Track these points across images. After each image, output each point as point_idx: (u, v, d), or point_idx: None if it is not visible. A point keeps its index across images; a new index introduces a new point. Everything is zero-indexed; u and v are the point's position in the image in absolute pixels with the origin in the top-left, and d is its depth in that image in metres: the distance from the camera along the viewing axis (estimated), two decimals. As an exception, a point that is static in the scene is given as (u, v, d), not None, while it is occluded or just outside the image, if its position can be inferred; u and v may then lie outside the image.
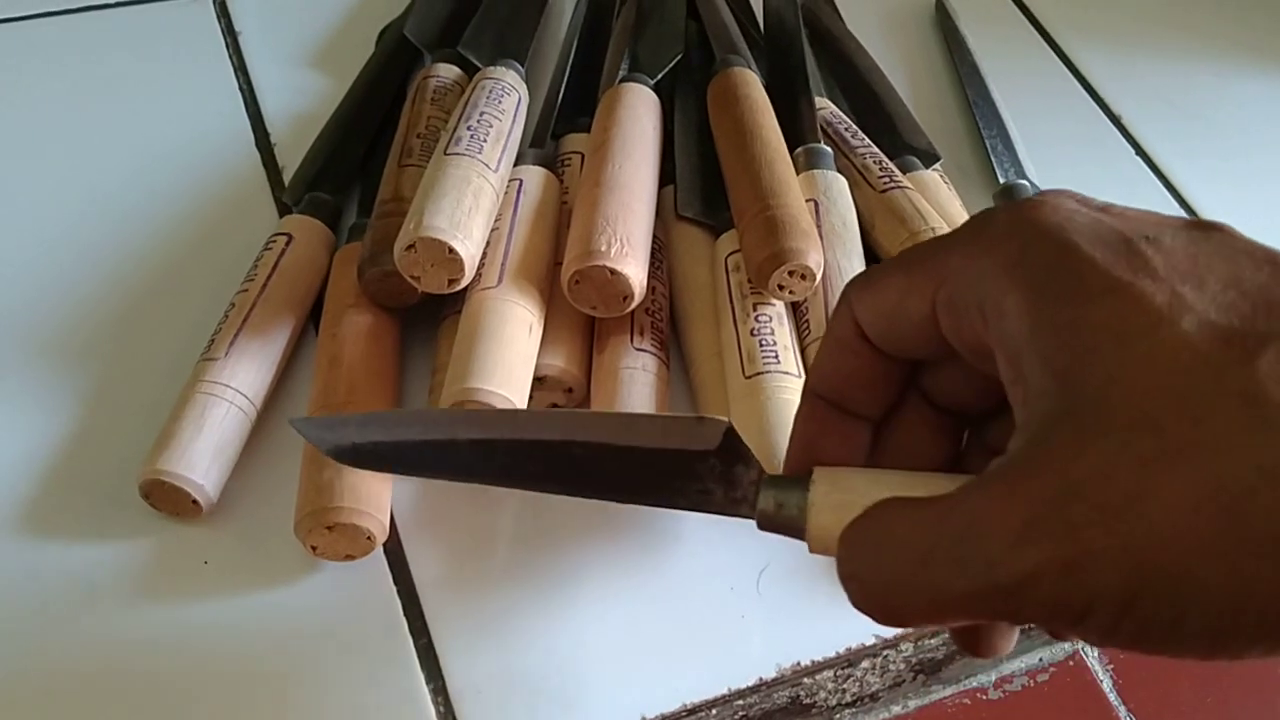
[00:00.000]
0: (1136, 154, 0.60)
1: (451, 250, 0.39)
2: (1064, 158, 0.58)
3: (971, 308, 0.25)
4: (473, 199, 0.41)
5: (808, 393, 0.30)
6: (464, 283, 0.41)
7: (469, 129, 0.44)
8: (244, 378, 0.41)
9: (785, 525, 0.28)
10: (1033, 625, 0.23)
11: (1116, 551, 0.21)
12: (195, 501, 0.39)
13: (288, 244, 0.45)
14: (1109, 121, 0.61)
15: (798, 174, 0.46)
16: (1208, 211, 0.57)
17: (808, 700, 0.40)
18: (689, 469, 0.29)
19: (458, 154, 0.43)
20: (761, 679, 0.39)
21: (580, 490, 0.32)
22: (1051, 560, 0.21)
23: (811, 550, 0.28)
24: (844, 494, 0.27)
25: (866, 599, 0.25)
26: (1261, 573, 0.20)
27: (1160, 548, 0.21)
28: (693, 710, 0.39)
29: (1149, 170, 0.59)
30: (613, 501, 0.32)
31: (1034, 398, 0.23)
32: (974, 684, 0.42)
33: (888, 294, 0.27)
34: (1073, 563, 0.21)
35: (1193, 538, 0.20)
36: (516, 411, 0.33)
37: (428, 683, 0.38)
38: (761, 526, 0.29)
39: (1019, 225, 0.25)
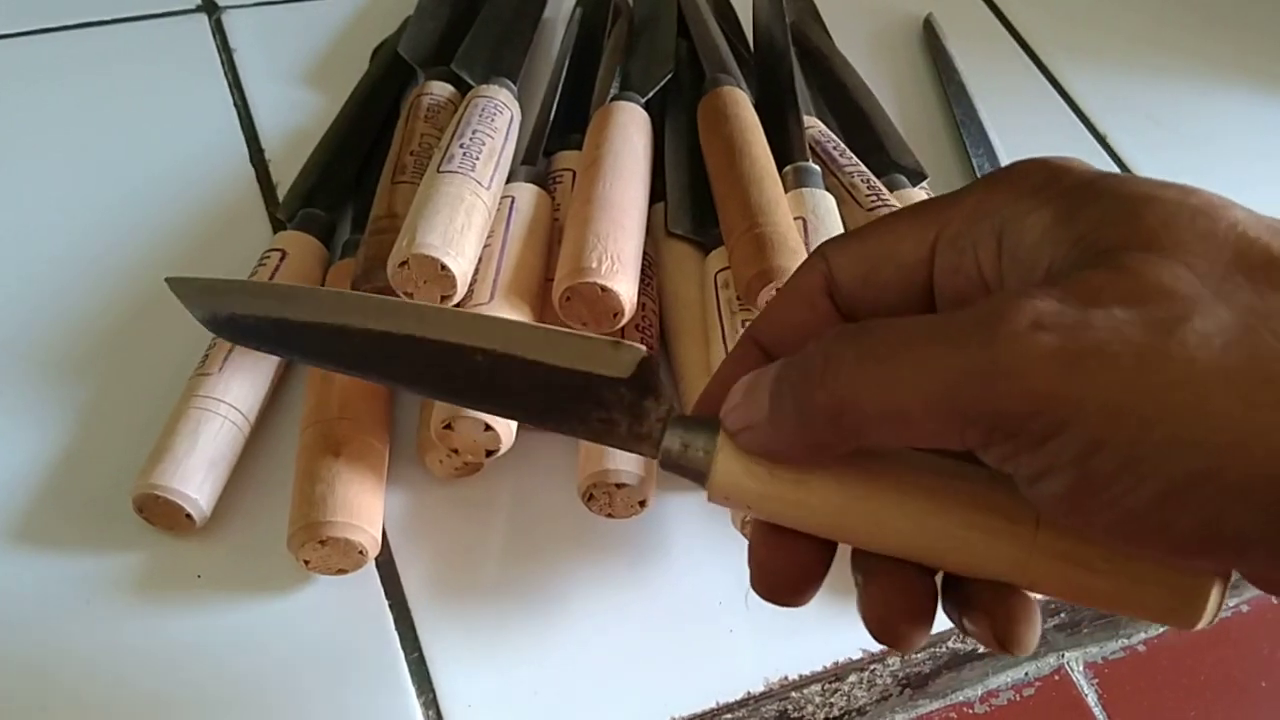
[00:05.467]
0: (1121, 172, 0.61)
1: (444, 267, 0.40)
2: (1050, 176, 0.59)
3: (984, 239, 0.25)
4: (465, 216, 0.42)
5: (746, 337, 0.29)
6: (457, 299, 0.41)
7: (462, 147, 0.45)
8: (238, 393, 0.41)
9: (688, 467, 0.27)
10: (1001, 444, 0.22)
11: (1129, 357, 0.20)
12: (189, 516, 0.39)
13: (282, 260, 0.45)
14: (1094, 140, 0.62)
15: (786, 192, 0.47)
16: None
17: (795, 714, 0.40)
18: (596, 395, 0.28)
19: (451, 171, 0.43)
20: (749, 693, 0.40)
21: (477, 401, 0.30)
22: (1059, 348, 0.21)
23: (710, 498, 0.27)
24: (747, 480, 0.26)
25: (837, 383, 0.23)
26: (1271, 421, 0.20)
27: (1179, 366, 0.20)
28: (681, 724, 0.39)
29: (1134, 189, 0.60)
30: (506, 418, 0.29)
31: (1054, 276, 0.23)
32: (960, 698, 0.42)
33: (877, 239, 0.27)
34: (1080, 354, 0.20)
35: (1216, 366, 0.20)
36: (423, 306, 0.30)
37: (419, 696, 0.38)
38: (664, 465, 0.27)
39: (1045, 164, 0.25)
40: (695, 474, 0.27)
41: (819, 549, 0.27)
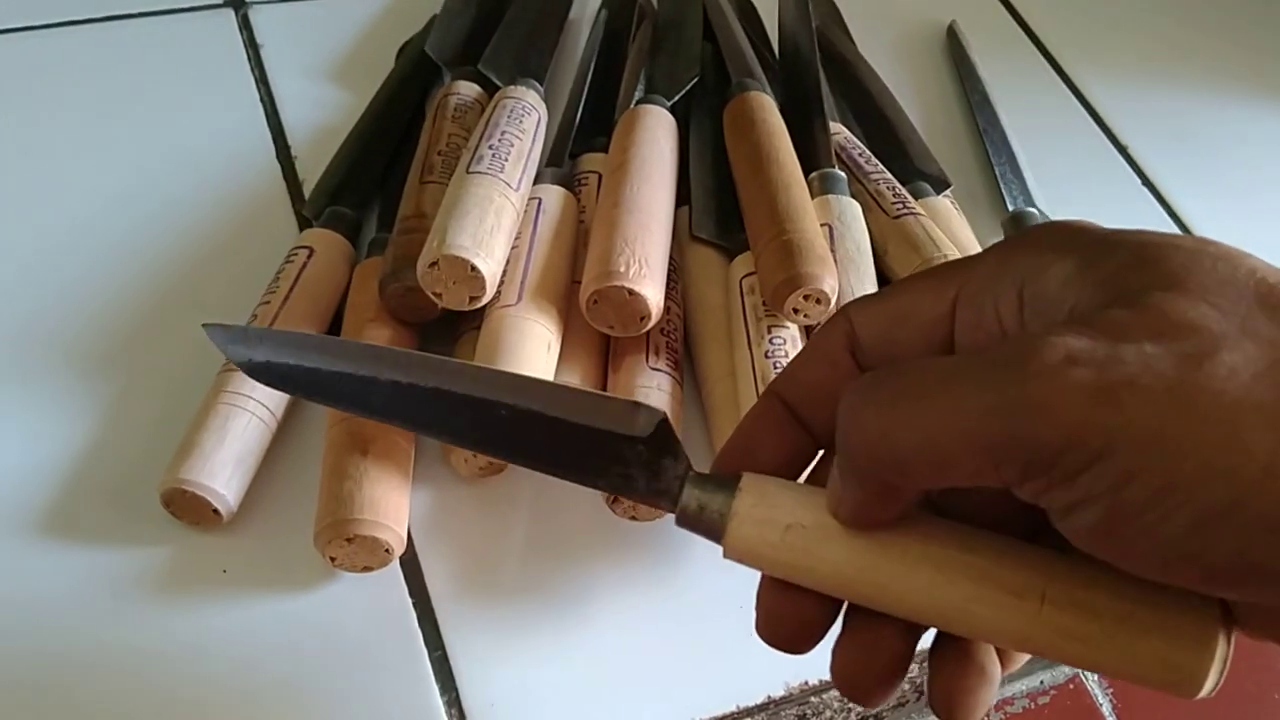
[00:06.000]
0: (1143, 184, 0.61)
1: (474, 268, 0.40)
2: (1071, 186, 0.59)
3: (1005, 293, 0.25)
4: (495, 218, 0.42)
5: (769, 392, 0.29)
6: (485, 300, 0.41)
7: (491, 148, 0.45)
8: (265, 389, 0.41)
9: (704, 527, 0.28)
10: (1037, 479, 0.22)
11: (1161, 389, 0.21)
12: (216, 511, 0.39)
13: (309, 257, 0.46)
14: (1116, 151, 0.62)
15: (812, 198, 0.47)
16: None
17: (814, 719, 0.40)
18: (615, 452, 0.29)
19: (480, 173, 0.43)
20: (770, 697, 0.40)
21: (500, 451, 0.31)
22: (1092, 382, 0.21)
23: (725, 555, 0.28)
24: (769, 509, 0.27)
25: (876, 421, 0.24)
26: None
27: (1210, 398, 0.21)
28: (702, 727, 0.39)
29: (1154, 200, 0.60)
30: (529, 468, 0.30)
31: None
32: (977, 706, 0.42)
33: (898, 298, 0.28)
34: (1113, 387, 0.21)
35: (1246, 398, 0.21)
36: (447, 361, 0.31)
37: (442, 695, 0.39)
38: (680, 523, 0.28)
39: (1062, 225, 0.26)
40: (711, 534, 0.28)
41: (826, 606, 0.27)
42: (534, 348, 0.41)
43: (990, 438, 0.22)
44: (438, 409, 0.31)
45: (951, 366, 0.24)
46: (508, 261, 0.43)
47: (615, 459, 0.29)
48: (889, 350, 0.28)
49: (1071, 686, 0.43)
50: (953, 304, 0.26)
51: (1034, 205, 0.55)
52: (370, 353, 0.33)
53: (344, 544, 0.38)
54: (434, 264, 0.40)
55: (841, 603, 0.28)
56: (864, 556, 0.26)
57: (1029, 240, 0.26)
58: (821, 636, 0.28)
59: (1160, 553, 0.21)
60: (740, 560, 0.28)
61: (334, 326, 0.46)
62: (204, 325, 0.35)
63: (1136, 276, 0.23)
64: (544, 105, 0.50)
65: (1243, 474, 0.20)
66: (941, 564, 0.26)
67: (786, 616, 0.28)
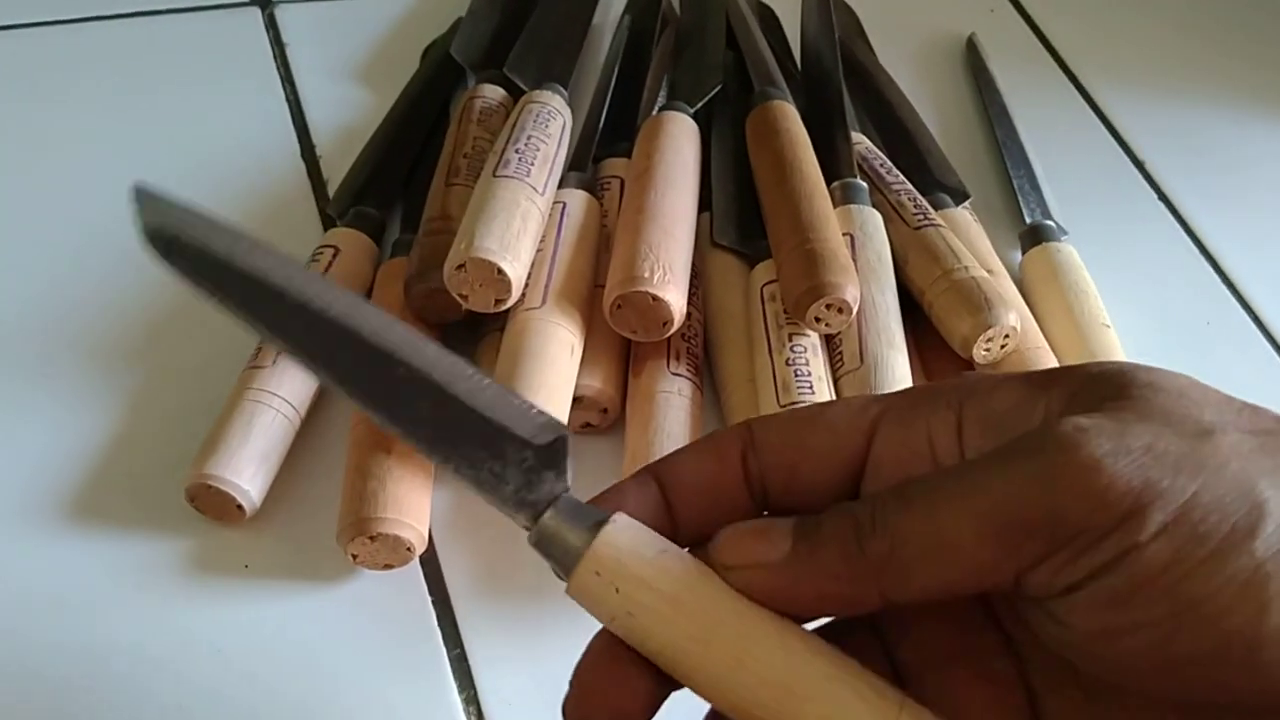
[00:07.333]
0: (1159, 198, 0.61)
1: (500, 271, 0.40)
2: (1088, 199, 0.59)
3: (940, 413, 0.26)
4: (521, 221, 0.42)
5: (646, 470, 0.28)
6: (510, 303, 0.42)
7: (517, 152, 0.45)
8: (290, 386, 0.42)
9: (556, 554, 0.27)
10: (1062, 550, 0.23)
11: (1176, 455, 0.22)
12: (239, 506, 0.40)
13: (335, 256, 0.46)
14: (1133, 166, 0.62)
15: (834, 208, 0.47)
16: (1226, 257, 0.58)
17: None
18: (498, 448, 0.27)
19: (507, 176, 0.44)
20: (785, 702, 0.40)
21: (378, 410, 0.29)
22: (1112, 448, 0.22)
23: (569, 590, 0.26)
24: (647, 532, 0.26)
25: (886, 530, 0.24)
26: None
27: (1221, 462, 0.22)
28: (717, 730, 0.39)
29: (1170, 215, 0.60)
30: (401, 438, 0.29)
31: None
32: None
33: (808, 410, 0.28)
34: (1133, 451, 0.22)
35: (1250, 464, 0.22)
36: (368, 305, 0.29)
37: (460, 693, 0.39)
38: (532, 542, 0.27)
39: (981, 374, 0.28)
40: (561, 563, 0.27)
41: (647, 696, 0.26)
42: (557, 350, 0.41)
43: (1011, 514, 0.23)
44: (332, 346, 0.28)
45: (961, 464, 0.24)
46: (532, 265, 0.43)
47: (495, 454, 0.27)
48: (788, 457, 0.27)
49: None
50: (873, 422, 0.26)
51: (1051, 218, 0.55)
52: (293, 269, 0.30)
53: (366, 542, 0.39)
54: (461, 266, 0.41)
55: (658, 704, 0.26)
56: (738, 600, 0.25)
57: (959, 377, 0.27)
58: None
59: (1176, 619, 0.22)
60: (594, 582, 0.26)
61: (357, 325, 0.46)
62: (136, 184, 0.31)
63: (1111, 384, 0.24)
64: (569, 110, 0.51)
65: (1261, 531, 0.21)
66: (807, 637, 0.25)
67: (604, 693, 0.27)
